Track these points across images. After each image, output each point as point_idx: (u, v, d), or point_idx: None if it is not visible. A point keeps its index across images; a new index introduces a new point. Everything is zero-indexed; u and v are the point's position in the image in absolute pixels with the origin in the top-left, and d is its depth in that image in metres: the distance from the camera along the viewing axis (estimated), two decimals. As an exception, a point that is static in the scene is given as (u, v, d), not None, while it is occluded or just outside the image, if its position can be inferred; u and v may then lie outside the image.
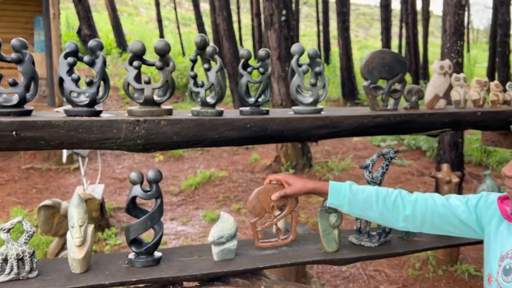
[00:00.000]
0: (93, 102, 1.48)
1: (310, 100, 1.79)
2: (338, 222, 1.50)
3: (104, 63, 1.52)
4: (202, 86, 1.61)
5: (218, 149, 6.64)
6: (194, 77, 1.62)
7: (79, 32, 12.32)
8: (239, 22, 18.40)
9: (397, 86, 2.00)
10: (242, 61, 1.68)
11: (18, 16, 8.14)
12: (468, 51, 26.66)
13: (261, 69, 1.69)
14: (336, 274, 3.71)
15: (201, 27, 15.52)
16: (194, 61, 1.62)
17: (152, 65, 1.56)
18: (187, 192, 5.32)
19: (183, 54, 15.64)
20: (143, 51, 1.54)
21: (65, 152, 4.12)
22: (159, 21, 15.76)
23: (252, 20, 14.42)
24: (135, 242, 1.40)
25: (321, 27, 17.35)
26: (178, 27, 17.48)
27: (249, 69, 1.68)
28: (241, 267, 1.39)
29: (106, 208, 4.46)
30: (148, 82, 1.52)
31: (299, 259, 1.47)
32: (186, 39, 19.42)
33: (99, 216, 3.77)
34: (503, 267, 1.03)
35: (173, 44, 18.90)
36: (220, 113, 1.62)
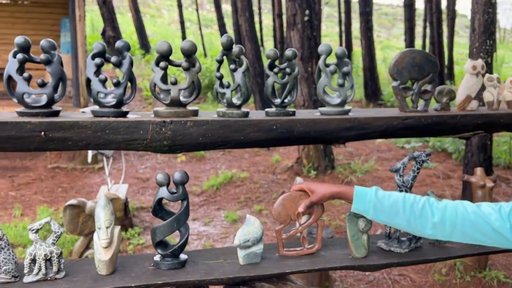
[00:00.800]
0: (120, 102, 1.48)
1: (338, 101, 1.75)
2: (367, 227, 1.46)
3: (131, 63, 1.52)
4: (228, 87, 1.59)
5: (240, 150, 6.63)
6: (220, 78, 1.60)
7: (103, 33, 12.52)
8: (260, 23, 18.39)
9: (427, 87, 1.94)
10: (268, 61, 1.66)
11: (45, 19, 8.33)
12: (495, 51, 26.02)
13: (287, 70, 1.66)
14: (360, 278, 3.65)
15: (222, 28, 15.58)
16: (220, 62, 1.61)
17: (179, 66, 1.55)
18: (208, 192, 5.33)
19: (205, 55, 15.72)
20: (169, 51, 1.53)
21: (90, 152, 4.17)
22: (182, 22, 15.88)
23: (274, 21, 14.37)
24: (161, 244, 1.39)
25: (343, 27, 17.19)
26: (200, 28, 17.57)
27: (275, 70, 1.65)
28: (267, 272, 1.37)
29: (129, 208, 4.51)
30: (174, 83, 1.51)
31: (327, 264, 1.43)
32: (207, 40, 19.53)
33: (123, 215, 3.80)
34: None
35: (194, 45, 19.02)
36: (246, 114, 1.60)
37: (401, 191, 1.53)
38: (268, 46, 20.01)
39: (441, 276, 3.65)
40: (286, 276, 1.46)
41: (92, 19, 17.48)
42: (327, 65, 1.74)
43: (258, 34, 18.77)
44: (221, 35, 15.18)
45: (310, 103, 5.52)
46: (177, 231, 1.41)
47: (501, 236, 1.13)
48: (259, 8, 18.27)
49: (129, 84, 1.51)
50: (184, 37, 16.01)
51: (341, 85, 1.75)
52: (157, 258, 1.39)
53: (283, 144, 1.64)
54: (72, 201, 3.29)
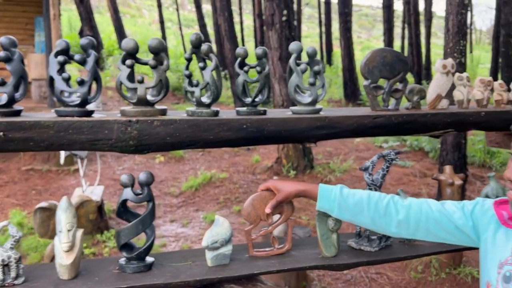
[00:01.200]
0: (84, 102, 1.44)
1: (309, 100, 1.74)
2: (337, 226, 1.45)
3: (97, 62, 1.48)
4: (197, 85, 1.56)
5: (219, 150, 6.59)
6: (189, 76, 1.57)
7: (81, 33, 12.32)
8: (241, 23, 18.38)
9: (399, 86, 1.95)
10: (238, 60, 1.64)
11: (19, 17, 8.14)
12: (471, 52, 26.58)
13: (258, 68, 1.64)
14: (338, 277, 3.66)
15: (203, 28, 15.52)
16: (189, 60, 1.58)
17: (146, 64, 1.52)
18: (187, 193, 5.28)
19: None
20: (136, 49, 1.50)
21: (62, 154, 4.08)
22: (161, 22, 15.76)
23: (254, 21, 14.39)
24: (126, 247, 1.35)
25: (323, 28, 17.31)
26: (180, 28, 17.46)
27: (245, 68, 1.64)
28: (236, 273, 1.35)
29: (105, 210, 4.42)
30: (141, 81, 1.48)
31: (296, 264, 1.42)
32: (188, 40, 19.41)
33: (97, 218, 3.72)
34: (503, 274, 0.98)
35: (175, 45, 18.94)
36: (216, 113, 1.57)
37: (370, 189, 1.53)
38: (249, 46, 20.01)
39: (417, 274, 3.69)
40: (256, 277, 1.44)
41: (69, 18, 17.19)
42: (297, 64, 1.73)
43: (239, 34, 18.76)
44: (203, 35, 15.13)
45: (289, 103, 5.52)
46: (143, 233, 1.37)
47: (464, 234, 1.13)
48: (240, 8, 18.25)
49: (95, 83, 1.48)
50: (164, 37, 15.87)
51: (312, 84, 1.74)
52: (122, 261, 1.35)
53: (254, 143, 1.62)
54: (43, 204, 3.21)
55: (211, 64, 1.54)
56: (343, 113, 1.76)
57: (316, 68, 1.74)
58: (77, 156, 3.99)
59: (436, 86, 2.01)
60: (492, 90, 2.12)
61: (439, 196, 4.56)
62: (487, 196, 1.79)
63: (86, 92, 1.44)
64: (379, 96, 1.90)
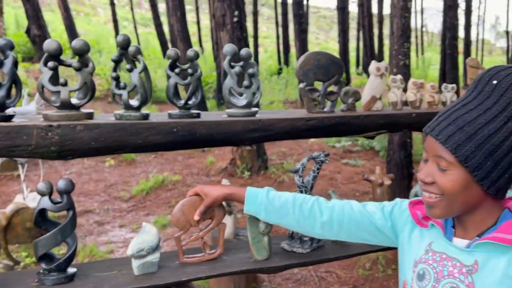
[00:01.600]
0: (2, 106, 1.37)
1: (244, 102, 1.74)
2: (268, 229, 1.45)
3: (15, 64, 1.41)
4: (124, 88, 1.52)
5: (173, 153, 6.49)
6: (116, 78, 1.52)
7: (28, 31, 11.77)
8: (198, 23, 18.24)
9: (334, 88, 1.98)
10: (169, 61, 1.60)
11: (-42, 14, 7.66)
12: (422, 53, 27.72)
13: (190, 70, 1.62)
14: (288, 277, 3.68)
15: (159, 28, 15.25)
16: (116, 62, 1.53)
17: (70, 65, 1.46)
18: (138, 197, 5.16)
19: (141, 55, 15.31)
20: (59, 50, 1.43)
21: None
22: (115, 21, 15.36)
23: (211, 21, 14.31)
24: (46, 257, 1.29)
25: (280, 29, 17.46)
26: (135, 28, 17.10)
27: (176, 70, 1.61)
28: (163, 281, 1.31)
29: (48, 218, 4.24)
30: (64, 84, 1.42)
31: (227, 269, 1.40)
32: (144, 40, 19.03)
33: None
34: (417, 272, 1.00)
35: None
36: (145, 116, 1.53)
37: (301, 191, 1.54)
38: (207, 47, 19.89)
39: (364, 271, 3.78)
40: (187, 284, 1.41)
41: (17, 16, 16.42)
42: (232, 66, 1.72)
43: (197, 34, 18.60)
44: (158, 35, 14.88)
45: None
46: (66, 243, 1.31)
47: (384, 235, 1.15)
48: (197, 8, 18.10)
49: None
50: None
51: (247, 87, 1.73)
52: (41, 273, 1.29)
53: (186, 147, 1.59)
54: (-22, 212, 3.03)
55: (139, 66, 1.50)
56: (277, 116, 1.76)
57: (250, 70, 1.74)
58: (16, 161, 3.80)
59: (370, 88, 2.06)
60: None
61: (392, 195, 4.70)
62: (416, 195, 1.84)
63: (4, 96, 1.37)
64: (314, 99, 1.93)
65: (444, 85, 2.23)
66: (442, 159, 0.89)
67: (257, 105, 1.84)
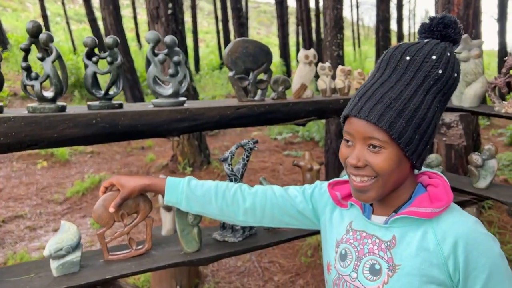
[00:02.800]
0: None
1: (170, 91, 1.68)
2: (197, 220, 1.41)
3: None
4: (36, 78, 1.41)
5: (110, 151, 6.25)
6: (27, 68, 1.42)
7: None
8: (135, 17, 17.70)
9: (264, 77, 1.97)
10: (86, 50, 1.51)
11: None
12: (359, 46, 28.73)
13: (109, 59, 1.54)
14: (231, 270, 3.67)
15: (93, 23, 14.57)
16: (26, 50, 1.42)
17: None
18: (73, 199, 4.91)
19: (74, 51, 14.61)
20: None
21: None
22: (44, 16, 14.49)
23: (147, 15, 13.91)
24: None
25: (220, 24, 17.35)
26: (67, 23, 16.26)
27: (94, 59, 1.52)
28: (84, 281, 1.24)
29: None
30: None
31: (154, 264, 1.35)
32: (78, 36, 18.16)
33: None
34: (339, 253, 1.01)
35: (63, 40, 17.58)
36: (62, 108, 1.44)
37: (231, 180, 1.52)
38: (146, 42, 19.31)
39: (307, 258, 3.84)
40: (113, 282, 1.34)
41: None
42: (155, 54, 1.66)
43: (134, 29, 17.99)
44: (92, 30, 14.23)
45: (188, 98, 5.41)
46: None
47: (306, 218, 1.15)
48: (133, 3, 17.53)
49: None
50: (49, 32, 14.62)
51: (173, 75, 1.68)
52: None
53: (108, 140, 1.51)
54: None
55: (51, 55, 1.40)
56: (206, 104, 1.73)
57: (176, 58, 1.68)
58: None
59: (299, 76, 2.08)
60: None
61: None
62: (345, 179, 1.88)
63: None
64: (244, 87, 1.91)
65: (370, 71, 2.30)
66: (375, 139, 0.86)
67: (186, 95, 1.79)
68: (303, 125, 2.08)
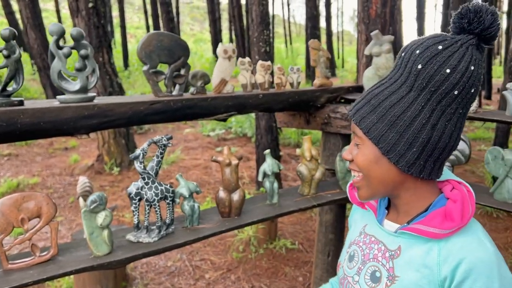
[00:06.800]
0: None
1: (78, 87, 1.59)
2: (107, 220, 1.35)
3: None
4: None
5: (30, 153, 5.84)
6: None
7: None
8: (58, 12, 16.69)
9: (182, 71, 1.92)
10: (-24, 42, 1.38)
11: None
12: (291, 43, 29.36)
13: (5, 52, 1.41)
14: (161, 271, 3.58)
15: (10, 16, 13.56)
16: None
17: None
18: (-13, 206, 4.53)
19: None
20: None
21: None
22: (-47, 7, 13.21)
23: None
24: None
25: (151, 19, 16.87)
26: (-20, 15, 14.97)
27: (-13, 52, 1.39)
28: (-24, 295, 1.13)
29: None
30: None
31: (60, 270, 1.27)
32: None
33: None
34: (349, 253, 1.00)
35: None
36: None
37: (143, 178, 1.46)
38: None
39: (238, 254, 3.85)
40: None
41: None
42: (60, 48, 1.55)
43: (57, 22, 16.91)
44: (9, 23, 13.24)
45: (105, 95, 5.18)
46: None
47: None
48: (55, -5, 16.48)
49: None
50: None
51: (80, 70, 1.58)
52: None
53: (7, 140, 1.40)
54: None
55: None
56: (118, 100, 1.65)
57: (83, 52, 1.59)
58: None
59: (219, 71, 2.05)
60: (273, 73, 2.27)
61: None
62: (264, 173, 1.89)
63: None
64: (160, 82, 1.85)
65: (290, 66, 2.33)
66: (356, 135, 0.88)
67: (110, 92, 1.70)
68: (224, 120, 2.06)
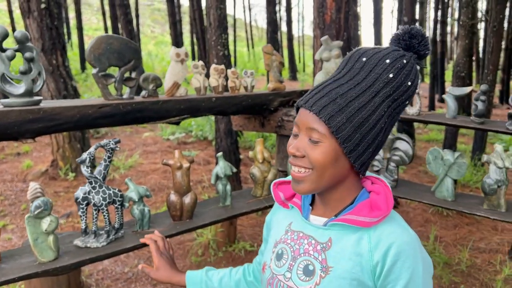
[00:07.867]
0: None
1: (22, 90, 1.55)
2: (52, 226, 1.32)
3: None
4: None
5: (-22, 159, 5.57)
6: None
7: None
8: (10, 12, 16.02)
9: (133, 74, 1.92)
10: None
11: None
12: (253, 47, 29.53)
13: (28, 55, 1.38)
14: (118, 277, 3.51)
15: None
16: None
17: None
18: None
19: None
20: None
21: None
22: None
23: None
24: None
25: (109, 21, 16.49)
26: None
27: None
28: None
29: None
30: None
31: (1, 278, 1.23)
32: None
33: None
34: (276, 252, 1.01)
35: None
36: None
37: (90, 183, 1.45)
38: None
39: (197, 257, 3.84)
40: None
41: None
42: (3, 50, 1.51)
43: (10, 24, 16.24)
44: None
45: (60, 98, 5.03)
46: None
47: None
48: (7, -6, 15.81)
49: None
50: None
51: (24, 72, 1.55)
52: None
53: None
54: None
55: None
56: (65, 103, 1.62)
57: (27, 54, 1.56)
58: None
59: (172, 74, 2.06)
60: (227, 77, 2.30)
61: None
62: (217, 175, 1.91)
63: None
64: (110, 85, 1.84)
65: (244, 70, 2.36)
66: (315, 131, 0.87)
67: (65, 95, 1.66)
68: (177, 123, 2.06)
